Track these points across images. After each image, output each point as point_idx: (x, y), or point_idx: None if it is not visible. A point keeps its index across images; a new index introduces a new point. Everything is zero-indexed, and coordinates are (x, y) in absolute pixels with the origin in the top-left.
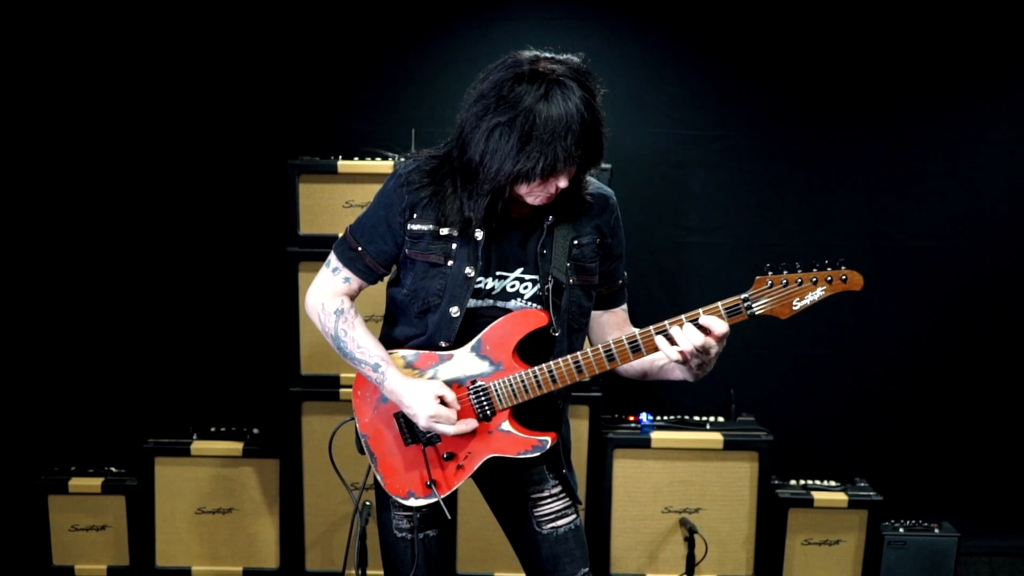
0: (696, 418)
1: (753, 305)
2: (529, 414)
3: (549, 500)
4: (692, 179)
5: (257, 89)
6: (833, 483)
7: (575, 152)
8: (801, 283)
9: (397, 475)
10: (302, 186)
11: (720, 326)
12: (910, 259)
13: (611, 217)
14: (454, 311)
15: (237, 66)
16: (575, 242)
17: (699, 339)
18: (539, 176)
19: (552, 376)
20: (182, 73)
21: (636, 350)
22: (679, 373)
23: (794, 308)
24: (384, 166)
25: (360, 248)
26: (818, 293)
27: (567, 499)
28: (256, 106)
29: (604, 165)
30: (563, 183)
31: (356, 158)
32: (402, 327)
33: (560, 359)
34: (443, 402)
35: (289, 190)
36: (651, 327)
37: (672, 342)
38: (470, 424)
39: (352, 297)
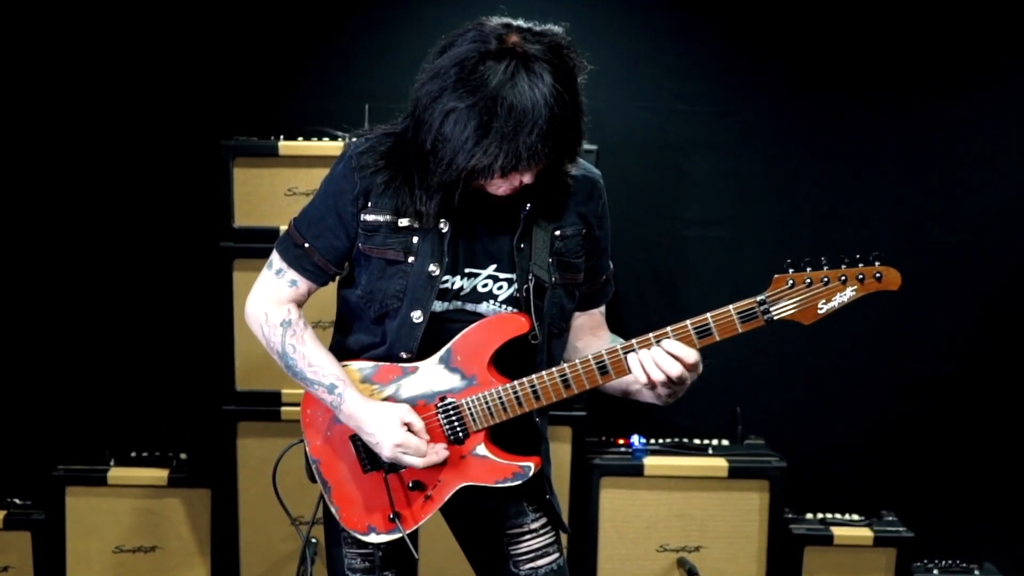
0: (696, 441)
1: (771, 309)
2: (505, 436)
3: (529, 536)
4: (692, 163)
5: (185, 58)
6: (856, 517)
7: (541, 149)
8: (828, 282)
9: (355, 507)
10: (237, 171)
11: (688, 355)
12: (945, 256)
13: (598, 204)
14: (416, 316)
15: (162, 33)
16: (557, 233)
17: (674, 368)
18: (498, 172)
19: (535, 392)
20: (97, 38)
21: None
22: (647, 395)
23: (819, 312)
24: (333, 147)
25: (307, 244)
26: (848, 294)
27: (549, 534)
28: (184, 78)
29: (589, 147)
30: (527, 179)
31: (300, 138)
32: (357, 335)
33: (544, 372)
34: (410, 430)
35: (222, 176)
36: (634, 340)
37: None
38: (441, 454)
39: (300, 304)
